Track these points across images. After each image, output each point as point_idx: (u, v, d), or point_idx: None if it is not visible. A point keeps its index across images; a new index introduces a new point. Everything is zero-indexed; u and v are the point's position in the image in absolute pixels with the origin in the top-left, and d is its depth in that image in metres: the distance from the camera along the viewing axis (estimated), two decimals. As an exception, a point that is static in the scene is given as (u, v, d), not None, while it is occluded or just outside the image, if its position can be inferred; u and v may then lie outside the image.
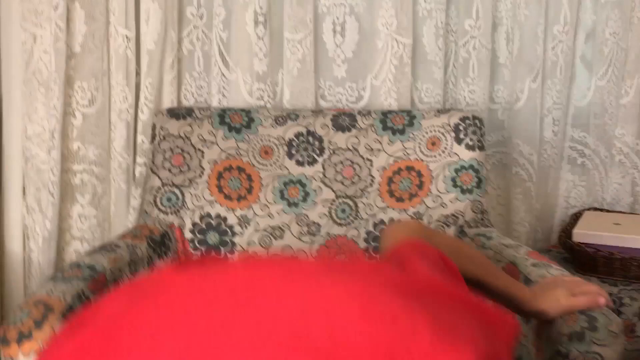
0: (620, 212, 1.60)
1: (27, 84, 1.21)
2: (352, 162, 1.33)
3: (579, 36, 1.59)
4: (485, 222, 1.28)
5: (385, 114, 1.35)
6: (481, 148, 1.31)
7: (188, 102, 1.40)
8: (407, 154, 1.32)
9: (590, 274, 1.45)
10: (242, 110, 1.32)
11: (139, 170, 1.36)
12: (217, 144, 1.29)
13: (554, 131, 1.60)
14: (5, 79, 1.23)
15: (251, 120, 1.31)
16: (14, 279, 1.27)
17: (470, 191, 1.29)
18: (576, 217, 1.58)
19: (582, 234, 1.48)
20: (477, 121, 1.33)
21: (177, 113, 1.31)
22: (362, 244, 1.31)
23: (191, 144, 1.28)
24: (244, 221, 1.28)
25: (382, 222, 1.29)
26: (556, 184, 1.65)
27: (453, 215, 1.27)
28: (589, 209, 1.63)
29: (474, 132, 1.31)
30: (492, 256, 1.09)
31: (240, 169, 1.29)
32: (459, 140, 1.31)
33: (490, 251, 1.12)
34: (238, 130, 1.30)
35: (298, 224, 1.31)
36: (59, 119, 1.23)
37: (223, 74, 1.39)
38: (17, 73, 1.22)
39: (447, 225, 1.27)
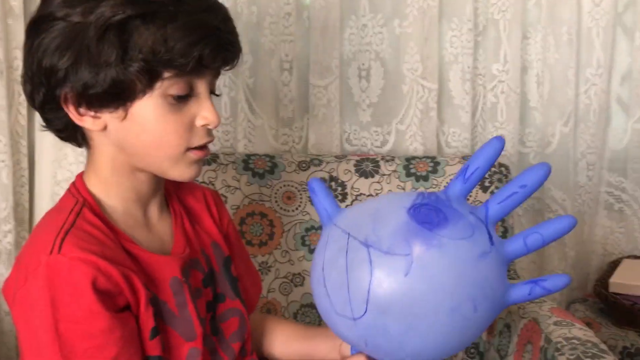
0: (660, 261, 1.53)
1: (59, 131, 1.26)
2: (375, 208, 1.31)
3: (614, 78, 1.55)
4: (510, 274, 1.24)
5: (409, 160, 1.34)
6: (507, 196, 1.27)
7: (214, 147, 1.42)
8: (431, 200, 1.30)
9: (628, 327, 1.39)
10: (266, 155, 1.34)
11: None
12: (241, 190, 1.30)
13: (589, 176, 1.55)
14: (38, 126, 1.27)
15: (275, 165, 1.32)
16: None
17: (495, 240, 1.25)
18: (614, 265, 1.52)
19: (619, 284, 1.42)
20: (502, 168, 1.30)
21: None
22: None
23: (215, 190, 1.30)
24: (264, 267, 1.28)
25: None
26: (592, 230, 1.60)
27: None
28: (628, 257, 1.56)
29: (500, 180, 1.28)
30: (515, 311, 1.05)
31: (263, 215, 1.30)
32: (484, 188, 1.28)
33: (513, 306, 1.08)
34: (262, 176, 1.31)
35: (319, 270, 1.30)
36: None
37: (249, 120, 1.40)
38: (49, 120, 1.26)
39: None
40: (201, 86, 0.77)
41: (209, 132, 0.79)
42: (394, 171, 1.33)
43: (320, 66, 1.40)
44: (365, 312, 0.69)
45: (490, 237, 0.69)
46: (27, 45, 0.75)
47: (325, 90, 1.41)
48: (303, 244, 1.30)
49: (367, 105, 1.46)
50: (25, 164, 1.28)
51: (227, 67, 0.79)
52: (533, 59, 1.50)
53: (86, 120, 0.76)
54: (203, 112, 0.77)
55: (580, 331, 0.91)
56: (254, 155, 1.33)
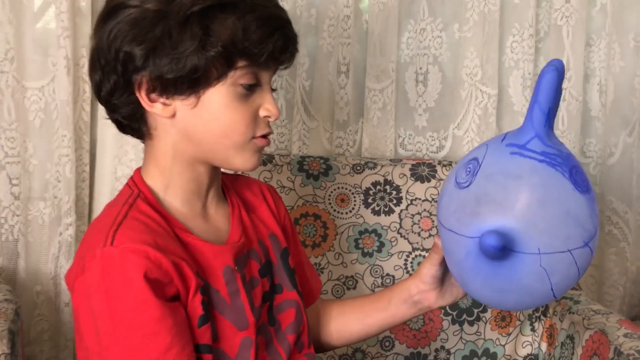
0: None
1: (120, 128, 1.29)
2: (430, 214, 1.30)
3: (683, 88, 1.49)
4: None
5: (466, 166, 1.31)
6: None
7: (270, 148, 1.43)
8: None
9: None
10: (321, 157, 1.33)
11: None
12: (295, 191, 1.30)
13: (653, 188, 1.50)
14: (101, 122, 1.31)
15: (329, 167, 1.31)
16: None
17: (555, 250, 1.21)
18: (678, 282, 1.46)
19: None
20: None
21: (258, 159, 1.34)
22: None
23: (269, 189, 1.30)
24: (317, 269, 1.28)
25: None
26: (655, 244, 1.54)
27: (536, 274, 1.20)
28: (692, 274, 1.50)
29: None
30: (579, 322, 1.02)
31: (316, 216, 1.29)
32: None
33: (577, 316, 1.04)
34: (316, 178, 1.31)
35: (372, 274, 1.28)
36: (147, 161, 1.29)
37: (304, 122, 1.41)
38: (111, 118, 1.29)
39: (529, 285, 1.20)
40: (265, 78, 0.81)
41: (269, 124, 0.82)
42: (450, 177, 1.31)
43: (376, 70, 1.39)
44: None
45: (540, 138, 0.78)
46: (99, 33, 0.78)
47: (381, 94, 1.40)
48: (356, 246, 1.29)
49: (423, 110, 1.44)
50: (87, 159, 1.31)
51: (288, 64, 0.83)
52: (596, 66, 1.47)
53: (156, 106, 0.78)
54: (266, 104, 0.81)
55: (651, 345, 0.87)
56: (309, 157, 1.33)
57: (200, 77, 0.75)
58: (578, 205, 0.73)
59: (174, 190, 0.81)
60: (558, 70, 0.74)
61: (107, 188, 1.31)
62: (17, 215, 1.25)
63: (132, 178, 0.83)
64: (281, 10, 0.81)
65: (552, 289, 0.73)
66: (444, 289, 0.91)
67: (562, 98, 1.44)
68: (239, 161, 0.80)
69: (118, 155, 1.30)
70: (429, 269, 0.90)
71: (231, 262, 0.81)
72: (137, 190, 0.80)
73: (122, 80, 0.77)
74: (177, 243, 0.77)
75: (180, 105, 0.78)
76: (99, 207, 1.32)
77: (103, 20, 0.79)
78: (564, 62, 1.42)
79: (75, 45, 1.26)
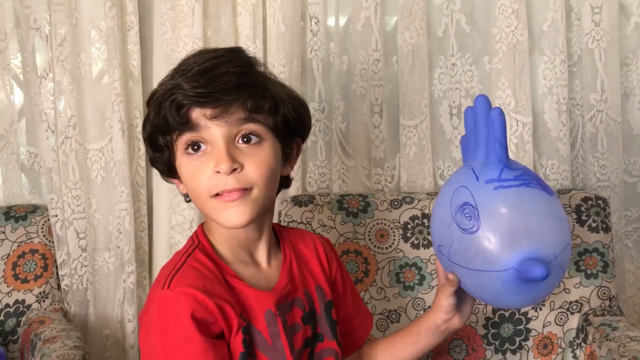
0: None
1: (172, 180, 1.40)
2: (469, 245, 1.32)
3: None
4: (613, 309, 1.19)
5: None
6: (606, 230, 1.24)
7: (312, 188, 1.50)
8: (527, 236, 1.28)
9: None
10: (359, 195, 1.39)
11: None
12: (336, 229, 1.36)
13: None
14: (156, 176, 1.42)
15: (367, 204, 1.37)
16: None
17: (595, 276, 1.21)
18: None
19: None
20: (600, 202, 1.26)
21: (301, 201, 1.41)
22: (482, 331, 1.28)
23: (312, 229, 1.37)
24: (360, 304, 1.32)
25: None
26: None
27: (577, 301, 1.20)
28: None
29: (597, 214, 1.25)
30: (614, 349, 1.01)
31: (358, 252, 1.35)
32: (581, 222, 1.25)
33: (613, 344, 1.04)
34: (355, 215, 1.36)
35: (414, 307, 1.32)
36: (197, 210, 1.39)
37: (342, 162, 1.47)
38: (165, 170, 1.41)
39: (571, 313, 1.20)
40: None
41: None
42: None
43: (410, 107, 1.44)
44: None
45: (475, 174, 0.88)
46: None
47: (415, 129, 1.45)
48: (397, 280, 1.33)
49: (459, 142, 1.47)
50: (144, 210, 1.43)
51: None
52: (635, 85, 1.45)
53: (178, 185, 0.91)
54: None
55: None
56: (348, 195, 1.39)
57: None
58: (557, 205, 0.87)
59: (222, 244, 0.91)
60: (499, 108, 0.87)
61: (164, 236, 1.42)
62: (85, 266, 1.38)
63: (196, 231, 0.94)
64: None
65: (563, 273, 0.88)
66: (461, 309, 0.97)
67: (599, 121, 1.44)
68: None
69: (172, 205, 1.41)
70: (448, 300, 0.95)
71: (273, 307, 0.88)
72: (197, 241, 0.90)
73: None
74: (225, 287, 0.86)
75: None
76: (157, 254, 1.43)
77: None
78: (598, 84, 1.43)
79: (129, 107, 1.39)
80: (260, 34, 1.41)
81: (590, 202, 1.26)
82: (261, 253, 0.92)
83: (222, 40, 1.39)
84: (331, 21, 1.47)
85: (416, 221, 1.35)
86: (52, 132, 1.37)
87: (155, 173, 1.41)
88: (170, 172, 0.90)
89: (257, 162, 0.83)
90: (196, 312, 0.80)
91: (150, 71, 1.42)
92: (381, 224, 1.36)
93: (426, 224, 1.35)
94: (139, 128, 1.40)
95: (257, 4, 1.39)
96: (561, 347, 1.25)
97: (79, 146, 1.37)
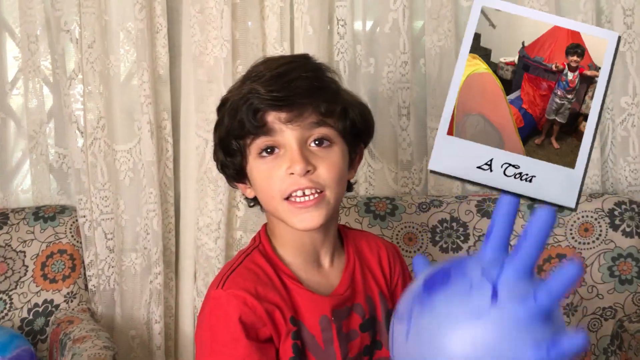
0: None
1: (199, 182, 1.40)
2: (499, 249, 1.30)
3: None
4: None
5: (533, 199, 1.32)
6: (641, 234, 1.21)
7: (352, 192, 1.49)
8: (558, 240, 1.27)
9: None
10: (387, 198, 1.38)
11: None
12: (363, 232, 1.35)
13: None
14: (183, 178, 1.42)
15: (395, 207, 1.36)
16: (186, 358, 1.42)
17: (629, 281, 1.19)
18: None
19: None
20: (634, 206, 1.24)
21: (327, 203, 1.40)
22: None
23: (339, 232, 1.36)
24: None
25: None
26: None
27: (611, 307, 1.18)
28: None
29: (632, 218, 1.22)
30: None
31: (385, 256, 1.34)
32: (614, 227, 1.23)
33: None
34: (383, 218, 1.35)
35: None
36: (225, 212, 1.39)
37: (369, 164, 1.46)
38: (192, 173, 1.41)
39: (605, 319, 1.18)
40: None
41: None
42: (519, 210, 1.31)
43: (437, 109, 1.43)
44: None
45: (495, 296, 0.62)
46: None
47: (444, 132, 1.43)
48: (425, 284, 1.32)
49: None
50: (172, 212, 1.43)
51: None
52: (667, 88, 1.43)
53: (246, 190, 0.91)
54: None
55: None
56: (375, 198, 1.38)
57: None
58: None
59: (284, 246, 0.90)
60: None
61: (191, 238, 1.42)
62: (112, 267, 1.38)
63: (259, 231, 0.93)
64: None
65: None
66: None
67: (631, 124, 1.42)
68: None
69: (199, 207, 1.41)
70: None
71: (329, 312, 0.88)
72: (258, 242, 0.90)
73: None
74: (279, 291, 0.86)
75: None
76: (184, 256, 1.43)
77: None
78: (630, 87, 1.41)
79: (157, 109, 1.40)
80: (288, 37, 1.41)
81: (624, 207, 1.24)
82: (324, 255, 0.91)
83: (250, 43, 1.39)
84: (358, 24, 1.47)
85: (445, 224, 1.34)
86: (81, 133, 1.38)
87: (183, 174, 1.43)
88: (239, 176, 0.90)
89: (329, 165, 0.84)
90: (244, 316, 0.81)
91: (178, 73, 1.42)
92: (409, 227, 1.35)
93: (455, 228, 1.33)
94: (167, 129, 1.41)
95: (284, 6, 1.39)
96: (595, 354, 1.23)
97: (107, 147, 1.38)
